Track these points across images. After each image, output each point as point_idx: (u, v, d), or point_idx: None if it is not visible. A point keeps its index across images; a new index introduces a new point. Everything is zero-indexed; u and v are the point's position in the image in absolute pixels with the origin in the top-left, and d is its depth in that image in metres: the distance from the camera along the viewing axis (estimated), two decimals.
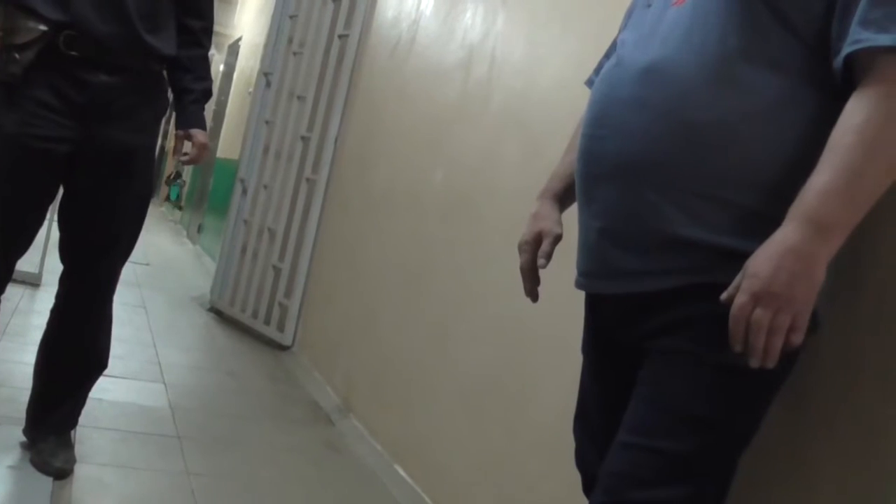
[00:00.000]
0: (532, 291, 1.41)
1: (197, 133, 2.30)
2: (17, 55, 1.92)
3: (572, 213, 1.36)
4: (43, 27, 1.93)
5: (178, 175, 10.60)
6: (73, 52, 1.97)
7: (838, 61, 1.04)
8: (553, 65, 2.19)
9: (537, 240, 1.38)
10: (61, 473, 2.15)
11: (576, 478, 1.39)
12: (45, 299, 4.14)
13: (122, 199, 2.13)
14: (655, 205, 1.12)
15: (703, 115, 1.10)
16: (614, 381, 1.30)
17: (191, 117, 2.29)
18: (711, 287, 1.07)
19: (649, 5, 1.25)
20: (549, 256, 1.36)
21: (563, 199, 1.44)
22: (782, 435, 1.26)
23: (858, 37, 1.01)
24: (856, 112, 1.00)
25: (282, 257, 4.24)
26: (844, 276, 1.19)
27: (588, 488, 1.36)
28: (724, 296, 1.04)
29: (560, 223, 1.39)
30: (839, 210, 0.99)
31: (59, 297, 2.23)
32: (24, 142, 1.95)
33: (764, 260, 1.00)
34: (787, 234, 1.00)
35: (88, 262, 2.17)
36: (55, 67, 1.96)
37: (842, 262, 1.16)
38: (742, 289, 1.01)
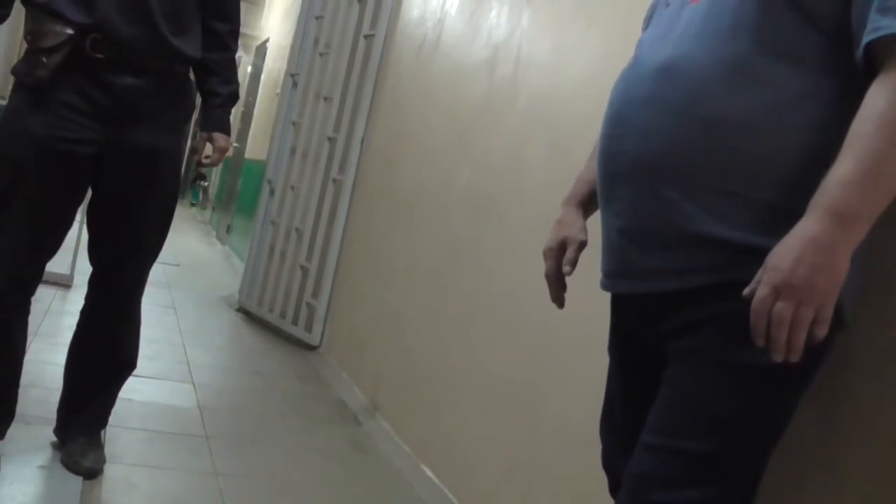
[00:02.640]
0: (558, 298, 1.42)
1: (219, 137, 2.31)
2: (44, 59, 1.95)
3: (597, 214, 1.35)
4: (69, 31, 1.95)
5: (203, 177, 10.62)
6: (99, 55, 1.98)
7: (859, 50, 1.02)
8: (578, 63, 2.17)
9: (562, 247, 1.38)
10: (91, 473, 2.17)
11: (603, 478, 1.38)
12: (76, 300, 4.18)
13: (149, 201, 2.15)
14: (675, 202, 1.11)
15: (720, 112, 1.09)
16: (639, 383, 1.29)
17: (215, 121, 2.30)
18: (733, 285, 1.05)
19: (668, 5, 1.24)
20: (573, 264, 1.36)
21: (587, 204, 1.43)
22: (811, 439, 1.24)
23: (878, 24, 1.00)
24: (876, 100, 0.98)
25: (309, 258, 4.26)
26: (874, 276, 1.17)
27: (614, 489, 1.35)
28: (746, 291, 1.02)
29: (584, 230, 1.39)
30: (861, 199, 0.96)
31: (88, 298, 2.26)
32: (51, 144, 1.97)
33: (784, 252, 0.98)
34: (807, 226, 0.98)
35: (116, 263, 2.20)
36: (81, 70, 1.98)
37: (872, 261, 1.14)
38: (763, 282, 0.99)
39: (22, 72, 2.00)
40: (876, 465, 1.17)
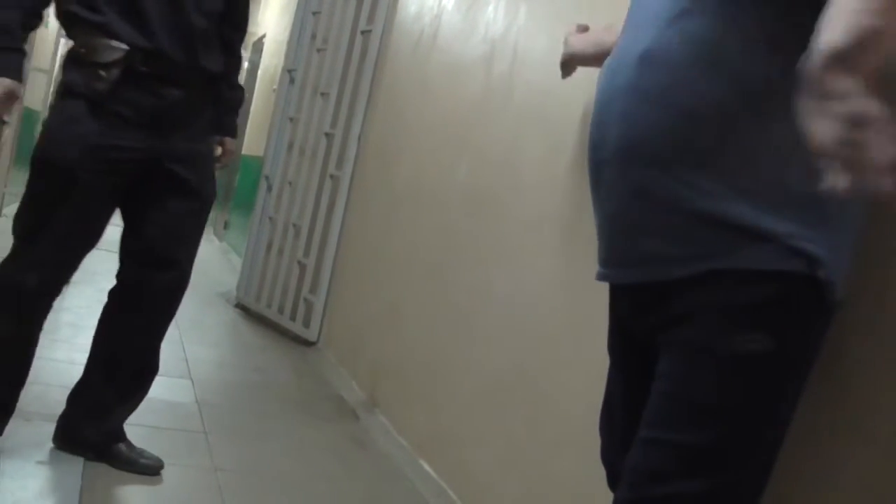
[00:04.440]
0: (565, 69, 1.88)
1: (228, 141, 2.45)
2: (102, 72, 2.05)
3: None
4: (124, 46, 2.05)
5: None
6: (149, 70, 2.09)
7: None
8: None
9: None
10: (156, 469, 2.29)
11: (602, 473, 1.39)
12: (74, 296, 4.19)
13: (184, 205, 2.24)
14: (657, 183, 1.11)
15: (695, 97, 1.09)
16: (636, 376, 1.29)
17: (224, 126, 2.43)
18: (723, 274, 1.05)
19: None
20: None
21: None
22: (809, 433, 1.25)
23: None
24: None
25: (307, 253, 4.26)
26: (871, 270, 1.17)
27: (613, 483, 1.35)
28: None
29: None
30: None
31: (119, 299, 2.32)
32: (104, 152, 2.07)
33: (833, 25, 0.84)
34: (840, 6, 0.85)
35: (147, 267, 2.27)
36: (133, 83, 2.08)
37: (871, 256, 1.14)
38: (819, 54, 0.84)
39: (80, 83, 2.07)
40: (874, 461, 1.18)
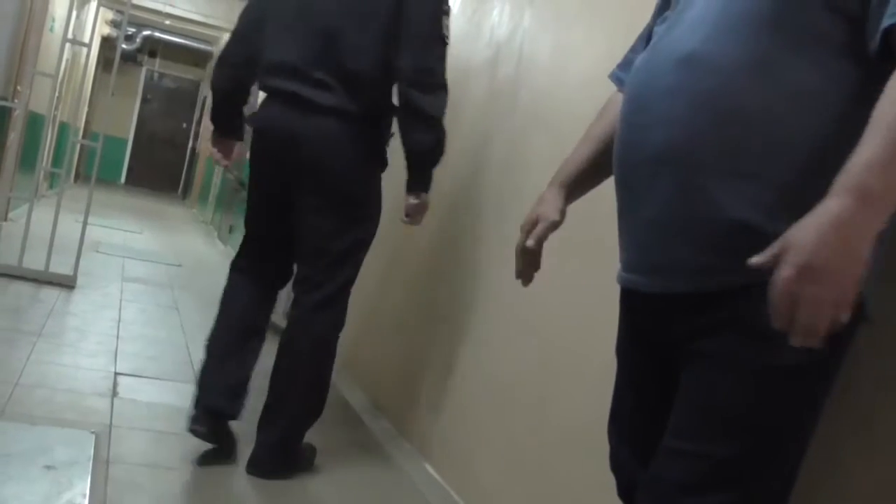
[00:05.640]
0: (523, 273, 1.45)
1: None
2: None
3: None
4: None
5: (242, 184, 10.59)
6: None
7: (877, 35, 1.01)
8: (580, 62, 2.17)
9: (534, 223, 1.41)
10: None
11: (608, 479, 1.38)
12: (79, 301, 4.20)
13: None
14: (702, 189, 1.10)
15: (742, 103, 1.08)
16: (649, 384, 1.28)
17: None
18: (758, 286, 1.02)
19: None
20: (539, 240, 1.40)
21: (571, 187, 1.45)
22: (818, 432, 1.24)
23: None
24: None
25: None
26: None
27: (623, 491, 1.34)
28: (755, 260, 0.97)
29: (560, 211, 1.42)
30: (885, 180, 0.93)
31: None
32: None
33: (809, 231, 0.95)
34: (831, 206, 0.94)
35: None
36: None
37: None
38: (787, 261, 0.95)
39: None
40: (879, 461, 1.17)
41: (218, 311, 2.57)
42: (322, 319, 2.46)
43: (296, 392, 2.45)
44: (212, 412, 2.42)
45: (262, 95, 2.49)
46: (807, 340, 0.94)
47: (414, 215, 2.52)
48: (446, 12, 2.36)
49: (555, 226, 1.39)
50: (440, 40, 2.34)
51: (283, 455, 2.47)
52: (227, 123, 2.65)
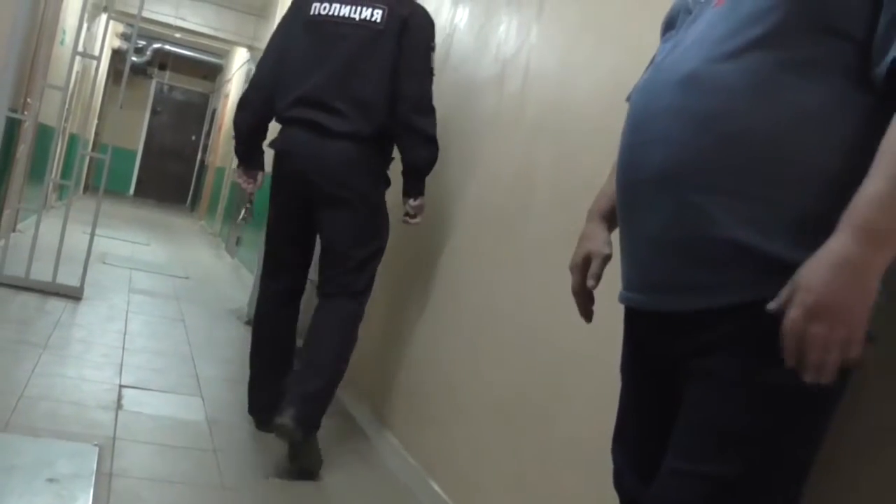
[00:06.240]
0: (586, 312, 1.42)
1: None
2: None
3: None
4: None
5: (251, 200, 10.68)
6: None
7: (882, 66, 1.01)
8: (587, 78, 2.17)
9: (586, 261, 1.38)
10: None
11: (612, 496, 1.37)
12: (86, 313, 4.20)
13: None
14: (702, 208, 1.09)
15: (745, 125, 1.07)
16: (656, 402, 1.27)
17: None
18: (759, 304, 1.03)
19: (690, 11, 1.23)
20: (598, 278, 1.36)
21: (610, 218, 1.42)
22: (822, 453, 1.23)
23: None
24: None
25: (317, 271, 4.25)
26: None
27: None
28: (771, 305, 1.00)
29: (609, 243, 1.38)
30: (890, 217, 0.95)
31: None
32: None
33: (816, 271, 0.96)
34: (839, 244, 0.96)
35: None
36: None
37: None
38: (795, 302, 0.97)
39: None
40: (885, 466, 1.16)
41: (254, 327, 3.12)
42: (346, 305, 2.80)
43: (326, 357, 2.75)
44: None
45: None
46: (818, 377, 0.97)
47: (417, 214, 2.91)
48: (433, 48, 2.81)
49: (607, 259, 1.36)
50: (430, 72, 2.80)
51: (312, 409, 2.63)
52: (251, 157, 3.06)
